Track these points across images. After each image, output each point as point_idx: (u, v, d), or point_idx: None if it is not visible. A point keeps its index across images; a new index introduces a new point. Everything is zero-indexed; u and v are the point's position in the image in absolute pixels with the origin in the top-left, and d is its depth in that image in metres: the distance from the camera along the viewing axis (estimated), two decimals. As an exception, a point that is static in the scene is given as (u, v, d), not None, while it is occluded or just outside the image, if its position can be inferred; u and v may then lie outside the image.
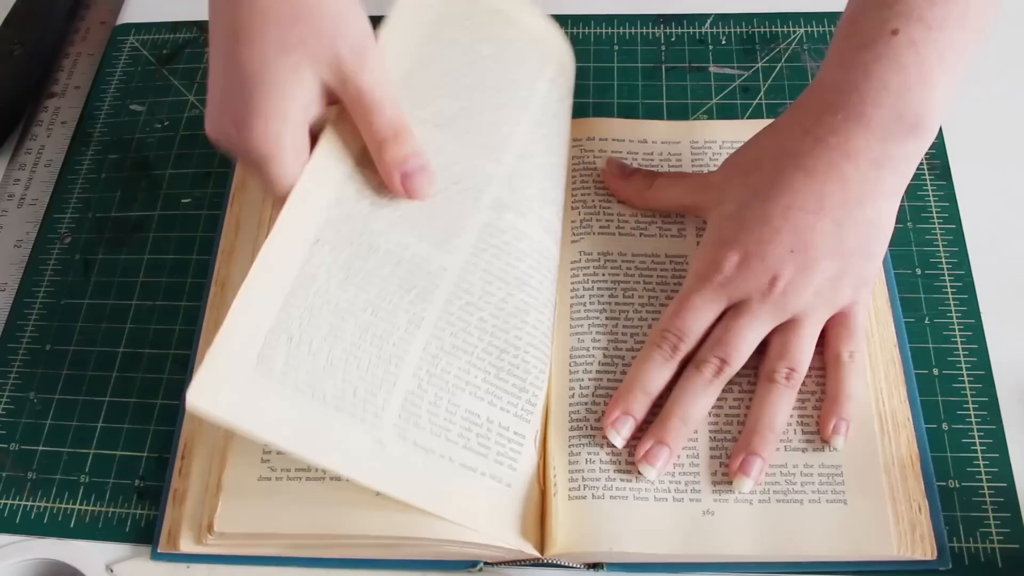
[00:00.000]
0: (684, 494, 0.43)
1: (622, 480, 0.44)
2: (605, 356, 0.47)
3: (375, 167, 0.44)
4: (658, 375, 0.45)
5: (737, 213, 0.45)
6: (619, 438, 0.44)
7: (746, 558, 0.43)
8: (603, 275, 0.49)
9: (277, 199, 0.43)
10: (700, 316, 0.45)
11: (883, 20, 0.42)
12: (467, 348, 0.44)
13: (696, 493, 0.43)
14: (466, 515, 0.42)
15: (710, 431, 0.45)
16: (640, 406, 0.45)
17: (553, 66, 0.52)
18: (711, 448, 0.45)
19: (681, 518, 0.43)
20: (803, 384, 0.45)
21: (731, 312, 0.45)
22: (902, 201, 0.55)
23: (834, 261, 0.44)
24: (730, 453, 0.44)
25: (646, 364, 0.45)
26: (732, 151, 0.49)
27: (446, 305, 0.44)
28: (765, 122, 0.49)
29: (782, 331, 0.45)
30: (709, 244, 0.46)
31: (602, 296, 0.49)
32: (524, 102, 0.49)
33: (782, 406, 0.44)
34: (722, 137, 0.55)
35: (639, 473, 0.44)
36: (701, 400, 0.44)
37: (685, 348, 0.45)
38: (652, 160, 0.54)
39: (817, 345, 0.46)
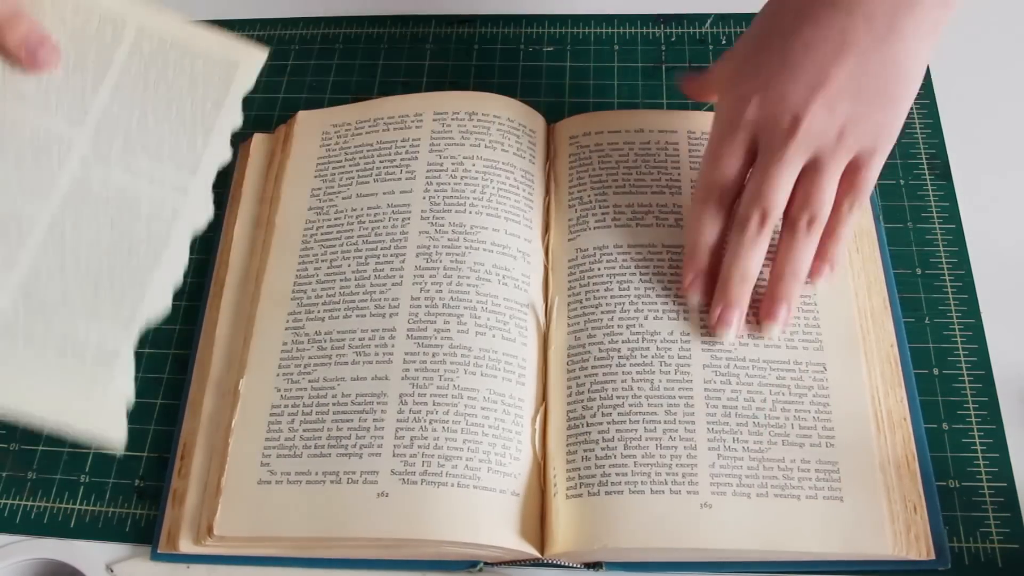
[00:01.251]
0: (681, 487, 0.43)
1: (617, 475, 0.44)
2: (601, 351, 0.47)
3: None
4: (713, 227, 0.46)
5: (757, 52, 0.45)
6: (696, 296, 0.47)
7: (742, 553, 0.42)
8: (599, 269, 0.49)
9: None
10: (735, 161, 0.45)
11: None
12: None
13: (694, 486, 0.43)
14: (468, 527, 0.42)
15: (708, 422, 0.45)
16: (706, 261, 0.47)
17: (132, 33, 0.49)
18: (708, 440, 0.44)
19: (678, 511, 0.43)
20: (799, 380, 0.45)
21: (759, 160, 0.45)
22: (903, 200, 0.55)
23: (856, 101, 0.43)
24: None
25: (699, 222, 0.47)
26: None
27: None
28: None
29: (803, 178, 0.45)
30: (733, 84, 0.46)
31: (598, 291, 0.49)
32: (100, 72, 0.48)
33: (804, 254, 0.45)
34: None
35: (714, 335, 0.46)
36: (753, 255, 0.45)
37: (727, 195, 0.46)
38: (649, 150, 0.54)
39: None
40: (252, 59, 0.50)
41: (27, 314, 0.45)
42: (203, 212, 0.48)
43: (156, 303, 0.46)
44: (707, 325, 0.46)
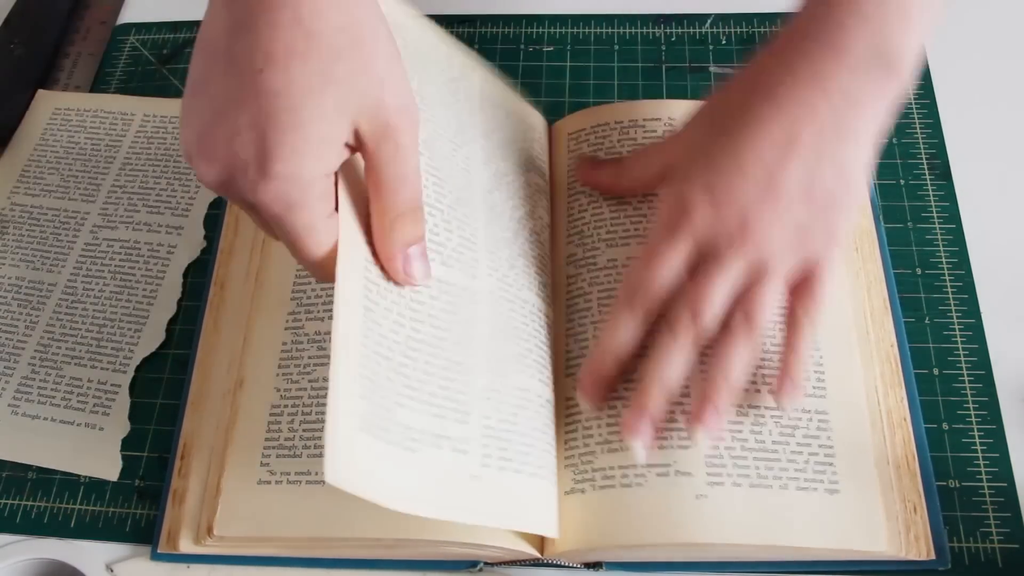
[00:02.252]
0: (677, 478, 0.43)
1: (611, 469, 0.43)
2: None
3: None
4: (629, 333, 0.43)
5: (703, 153, 0.43)
6: (589, 404, 0.44)
7: (739, 548, 0.42)
8: (596, 269, 0.49)
9: (304, 257, 0.37)
10: (668, 267, 0.42)
11: None
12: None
13: (689, 476, 0.43)
14: (468, 526, 0.41)
15: None
16: (611, 369, 0.43)
17: (139, 120, 0.55)
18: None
19: (673, 502, 0.42)
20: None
21: (700, 267, 0.42)
22: (903, 200, 0.55)
23: (804, 205, 0.41)
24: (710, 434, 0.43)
25: (615, 324, 0.43)
26: None
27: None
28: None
29: (748, 282, 0.42)
30: (674, 188, 0.43)
31: (592, 292, 0.49)
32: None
33: (739, 359, 0.42)
34: None
35: (625, 447, 0.43)
36: (677, 362, 0.42)
37: (654, 303, 0.43)
38: (644, 140, 0.53)
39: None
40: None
41: (43, 370, 0.50)
42: (196, 245, 0.54)
43: (151, 339, 0.51)
44: (620, 429, 0.43)
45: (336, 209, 0.37)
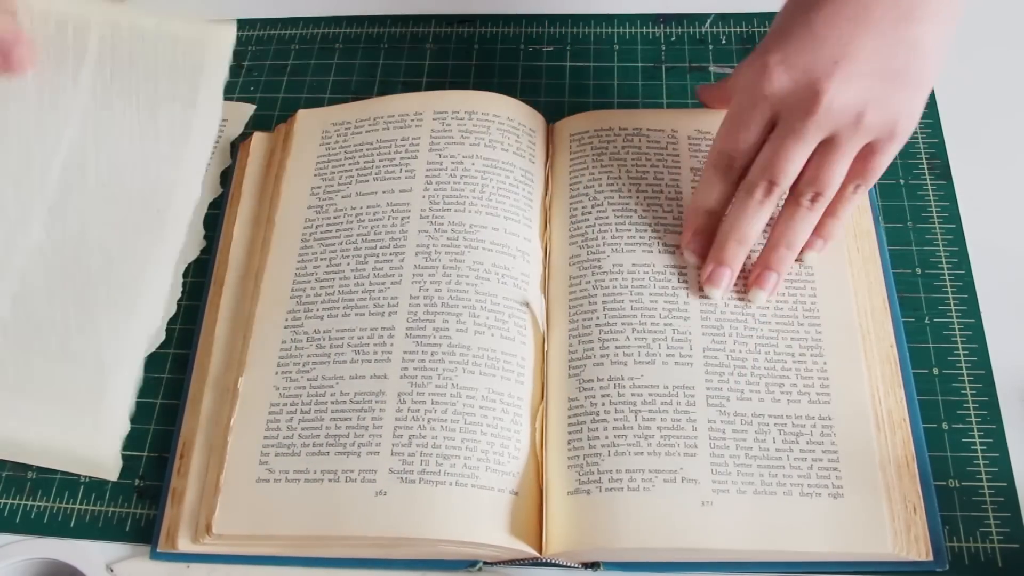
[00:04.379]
0: (682, 484, 0.43)
1: (617, 472, 0.43)
2: (602, 349, 0.47)
3: None
4: (719, 193, 0.47)
5: (781, 26, 0.45)
6: (693, 256, 0.48)
7: (743, 553, 0.42)
8: (599, 270, 0.49)
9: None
10: (749, 132, 0.45)
11: None
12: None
13: (694, 483, 0.43)
14: (467, 526, 0.42)
15: (708, 420, 0.44)
16: (706, 224, 0.47)
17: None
18: (710, 438, 0.44)
19: (678, 508, 0.43)
20: (799, 379, 0.45)
21: (776, 131, 0.44)
22: (903, 200, 0.55)
23: (877, 80, 0.43)
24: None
25: (706, 185, 0.47)
26: None
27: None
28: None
29: (817, 153, 0.44)
30: (754, 58, 0.45)
31: (596, 293, 0.49)
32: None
33: (803, 228, 0.46)
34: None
35: (703, 292, 0.47)
36: (754, 221, 0.46)
37: (739, 165, 0.46)
38: (649, 149, 0.54)
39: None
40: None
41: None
42: (196, 245, 0.52)
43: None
44: (699, 280, 0.48)
45: None
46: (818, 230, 0.47)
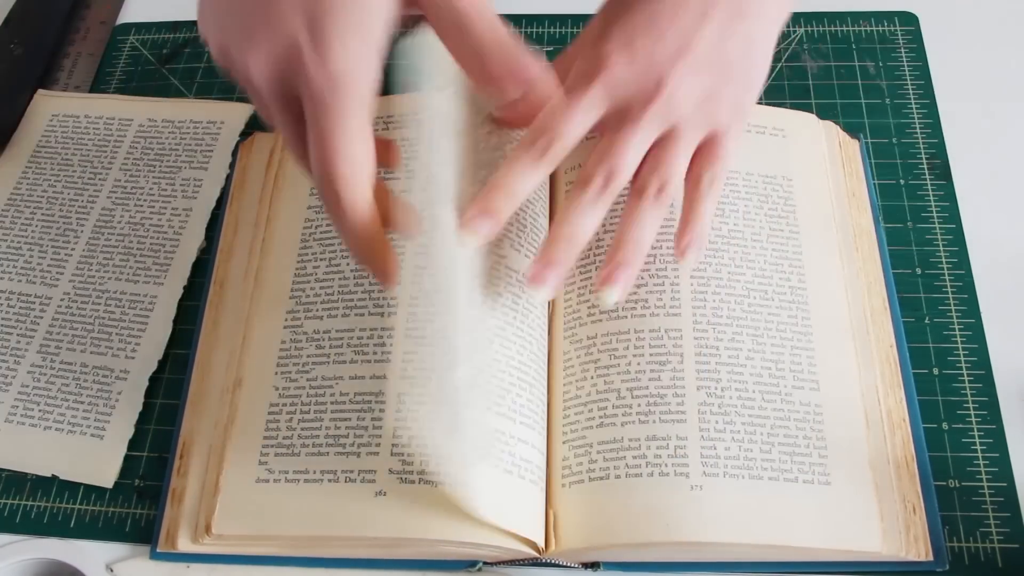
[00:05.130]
0: (672, 469, 0.43)
1: (605, 461, 0.44)
2: (596, 348, 0.47)
3: None
4: (524, 178, 0.41)
5: (624, 13, 0.43)
6: (473, 237, 0.41)
7: (734, 547, 0.42)
8: (593, 268, 0.49)
9: (329, 162, 0.36)
10: (580, 119, 0.41)
11: None
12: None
13: (684, 468, 0.43)
14: (466, 526, 0.42)
15: (699, 410, 0.44)
16: (501, 206, 0.41)
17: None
18: (700, 426, 0.44)
19: (669, 494, 0.43)
20: (788, 372, 0.45)
21: (613, 123, 0.42)
22: (903, 200, 0.55)
23: (715, 72, 0.42)
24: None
25: (513, 164, 0.41)
26: None
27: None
28: (758, 108, 0.49)
29: (657, 146, 0.43)
30: (592, 42, 0.43)
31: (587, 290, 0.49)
32: None
33: (649, 222, 0.43)
34: None
35: (527, 292, 0.42)
36: (589, 217, 0.42)
37: (558, 151, 0.41)
38: None
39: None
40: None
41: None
42: (196, 245, 0.54)
43: (157, 342, 0.52)
44: (526, 276, 0.42)
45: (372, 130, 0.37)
46: (686, 231, 0.43)
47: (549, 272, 0.41)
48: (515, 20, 0.64)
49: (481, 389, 0.42)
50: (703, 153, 0.44)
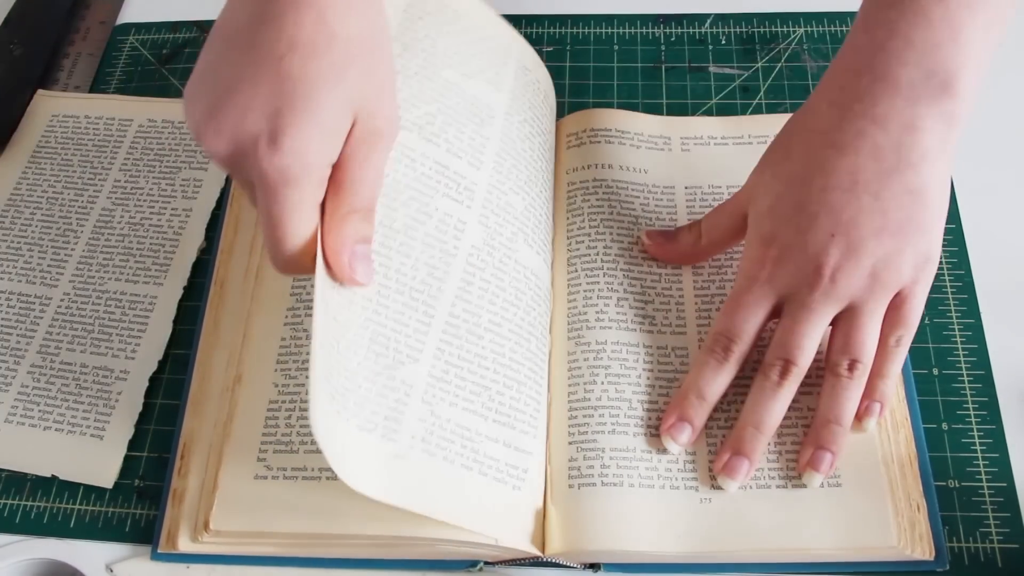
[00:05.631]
0: (681, 482, 0.44)
1: (619, 467, 0.44)
2: (601, 350, 0.47)
3: None
4: (713, 380, 0.44)
5: (772, 206, 0.44)
6: (675, 445, 0.44)
7: (747, 554, 0.42)
8: (596, 274, 0.49)
9: (280, 238, 0.38)
10: (751, 315, 0.44)
11: None
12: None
13: (693, 481, 0.44)
14: (479, 520, 0.42)
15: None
16: (696, 411, 0.44)
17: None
18: (707, 440, 0.45)
19: (680, 507, 0.43)
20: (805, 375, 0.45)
21: (786, 310, 0.43)
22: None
23: (882, 239, 0.41)
24: (798, 446, 0.44)
25: (701, 369, 0.44)
26: (723, 146, 0.49)
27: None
28: (757, 118, 0.48)
29: (842, 320, 0.43)
30: (751, 243, 0.45)
31: (591, 298, 0.49)
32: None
33: (848, 397, 0.43)
34: (709, 133, 0.55)
35: (717, 482, 0.43)
36: (773, 405, 0.43)
37: (739, 350, 0.44)
38: (639, 149, 0.54)
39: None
40: None
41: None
42: (196, 245, 0.54)
43: (157, 343, 0.51)
44: (713, 470, 0.44)
45: (323, 207, 0.39)
46: (869, 394, 0.44)
47: (740, 462, 0.43)
48: (515, 20, 0.63)
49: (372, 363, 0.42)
50: (892, 313, 0.43)
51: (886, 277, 0.42)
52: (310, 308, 0.48)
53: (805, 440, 0.44)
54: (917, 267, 0.42)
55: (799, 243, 0.42)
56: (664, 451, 0.44)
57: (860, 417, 0.44)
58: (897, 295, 0.43)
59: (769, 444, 0.44)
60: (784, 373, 0.43)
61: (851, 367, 0.43)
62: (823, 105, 0.43)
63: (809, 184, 0.42)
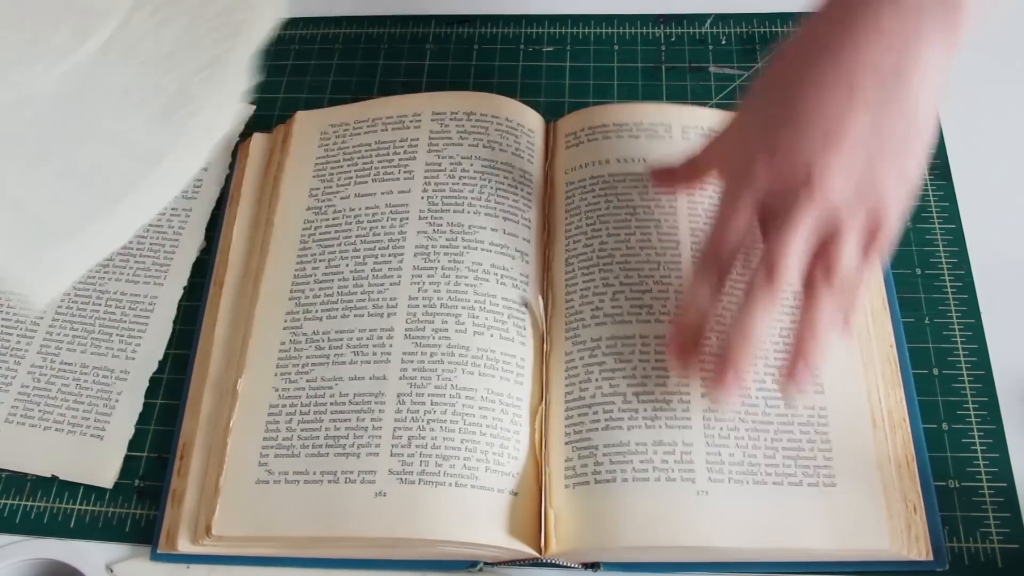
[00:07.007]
0: (678, 475, 0.43)
1: (612, 463, 0.44)
2: (596, 348, 0.47)
3: None
4: (703, 295, 0.43)
5: (762, 110, 0.43)
6: (678, 365, 0.44)
7: (741, 551, 0.42)
8: (595, 271, 0.49)
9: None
10: (735, 227, 0.43)
11: None
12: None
13: (690, 473, 0.43)
14: (466, 527, 0.42)
15: (703, 416, 0.45)
16: (695, 322, 0.44)
17: None
18: (705, 432, 0.44)
19: (675, 499, 0.43)
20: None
21: (772, 222, 0.42)
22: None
23: (871, 152, 0.40)
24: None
25: (693, 288, 0.44)
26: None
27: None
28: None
29: (821, 247, 0.42)
30: (735, 149, 0.44)
31: (588, 294, 0.49)
32: None
33: (827, 314, 0.42)
34: (710, 124, 0.55)
35: (712, 395, 0.44)
36: (758, 316, 0.42)
37: (727, 263, 0.43)
38: (644, 142, 0.54)
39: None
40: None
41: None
42: (196, 246, 0.54)
43: (157, 343, 0.51)
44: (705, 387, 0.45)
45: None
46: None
47: (728, 369, 0.42)
48: (515, 20, 0.64)
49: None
50: (865, 240, 0.42)
51: (869, 192, 0.41)
52: (309, 312, 0.49)
53: (786, 355, 0.43)
54: (897, 185, 0.42)
55: (792, 148, 0.41)
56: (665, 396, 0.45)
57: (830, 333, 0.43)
58: (872, 220, 0.42)
59: (766, 438, 0.44)
60: (772, 284, 0.41)
61: (833, 283, 0.42)
62: (822, 19, 0.42)
63: (801, 91, 0.41)
